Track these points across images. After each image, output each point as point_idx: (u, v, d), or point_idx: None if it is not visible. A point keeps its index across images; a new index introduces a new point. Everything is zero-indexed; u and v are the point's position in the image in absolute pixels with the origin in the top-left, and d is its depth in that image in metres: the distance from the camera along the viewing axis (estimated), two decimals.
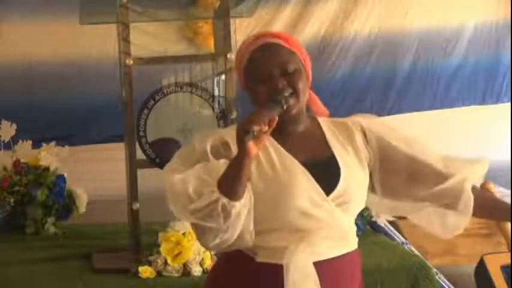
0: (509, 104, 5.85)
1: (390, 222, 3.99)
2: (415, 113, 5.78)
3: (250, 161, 2.06)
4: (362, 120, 2.35)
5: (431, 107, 5.83)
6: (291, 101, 2.20)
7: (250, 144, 2.03)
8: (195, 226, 2.17)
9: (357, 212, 2.30)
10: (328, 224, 2.19)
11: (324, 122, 2.34)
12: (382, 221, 3.95)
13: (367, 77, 5.72)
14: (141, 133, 3.51)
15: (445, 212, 2.39)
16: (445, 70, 5.86)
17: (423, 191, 2.33)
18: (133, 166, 3.50)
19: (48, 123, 5.11)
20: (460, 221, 2.38)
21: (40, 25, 5.14)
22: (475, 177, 2.42)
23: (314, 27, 5.61)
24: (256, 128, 2.02)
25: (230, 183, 2.08)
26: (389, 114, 5.73)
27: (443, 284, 3.68)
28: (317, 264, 2.18)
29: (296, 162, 2.20)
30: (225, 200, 2.08)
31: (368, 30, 5.70)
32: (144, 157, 3.52)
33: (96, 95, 5.16)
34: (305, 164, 2.20)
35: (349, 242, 2.27)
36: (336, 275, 2.23)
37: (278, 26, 5.53)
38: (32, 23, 5.14)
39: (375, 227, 3.94)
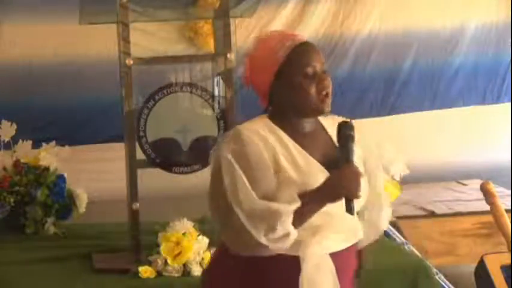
0: (509, 104, 5.85)
1: (390, 222, 3.98)
2: (415, 113, 5.78)
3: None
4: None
5: (431, 107, 5.83)
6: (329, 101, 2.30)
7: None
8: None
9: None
10: (341, 219, 2.25)
11: (324, 121, 2.39)
12: None
13: (367, 77, 5.72)
14: (141, 133, 3.51)
15: None
16: (445, 70, 5.86)
17: None
18: (133, 166, 3.51)
19: (48, 123, 5.11)
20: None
21: (40, 25, 5.14)
22: None
23: (314, 27, 5.61)
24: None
25: (302, 222, 2.19)
26: (389, 114, 5.73)
27: (443, 284, 3.68)
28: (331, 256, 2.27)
29: (315, 162, 2.26)
30: (296, 233, 2.18)
31: (368, 30, 5.70)
32: (144, 157, 3.52)
33: (96, 95, 5.16)
34: (321, 163, 2.27)
35: (358, 235, 2.35)
36: (344, 267, 2.30)
37: (278, 26, 5.53)
38: (32, 23, 5.14)
39: None
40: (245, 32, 5.25)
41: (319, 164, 2.26)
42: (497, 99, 5.93)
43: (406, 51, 5.77)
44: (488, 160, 5.65)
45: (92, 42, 5.02)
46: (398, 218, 4.26)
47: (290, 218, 2.15)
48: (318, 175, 2.23)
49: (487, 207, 4.16)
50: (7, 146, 4.08)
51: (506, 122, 5.72)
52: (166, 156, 3.53)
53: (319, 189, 2.19)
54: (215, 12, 3.71)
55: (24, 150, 4.07)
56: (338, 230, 2.27)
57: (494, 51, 5.92)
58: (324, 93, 2.28)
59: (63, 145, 4.18)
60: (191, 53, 4.98)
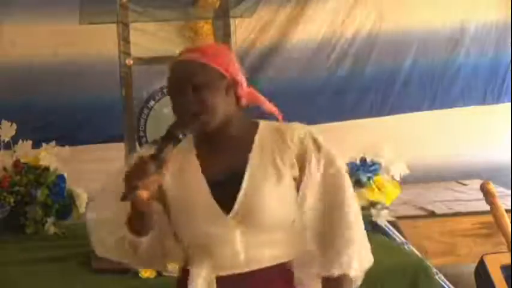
0: (509, 104, 5.85)
1: (390, 222, 3.99)
2: (415, 113, 5.78)
3: (143, 206, 2.10)
4: (311, 142, 2.23)
5: (431, 107, 5.83)
6: (204, 119, 2.17)
7: (138, 198, 2.07)
8: None
9: (277, 226, 2.21)
10: (228, 241, 2.18)
11: (264, 129, 2.27)
12: (382, 221, 3.95)
13: (367, 77, 5.72)
14: (141, 133, 3.51)
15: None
16: (445, 70, 5.86)
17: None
18: None
19: (48, 123, 5.11)
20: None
21: (40, 25, 5.14)
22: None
23: (314, 27, 5.61)
24: (139, 183, 2.05)
25: (133, 225, 2.19)
26: (389, 114, 5.73)
27: (443, 284, 3.68)
28: (221, 279, 2.19)
29: (202, 181, 2.19)
30: (131, 236, 2.20)
31: (368, 30, 5.70)
32: None
33: (96, 95, 5.16)
34: (212, 182, 2.19)
35: (259, 258, 2.19)
36: None
37: (278, 26, 5.53)
38: (32, 23, 5.14)
39: (375, 227, 3.94)
40: (245, 32, 5.25)
41: (203, 182, 2.18)
42: (497, 100, 5.93)
43: (406, 51, 5.77)
44: (488, 160, 5.65)
45: (92, 42, 5.01)
46: (398, 218, 4.25)
47: (105, 225, 2.24)
48: (196, 193, 2.18)
49: (487, 207, 4.16)
50: (7, 146, 4.08)
51: (506, 122, 5.72)
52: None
53: None
54: (215, 12, 3.71)
55: (24, 150, 4.07)
56: (229, 251, 2.18)
57: (494, 51, 5.92)
58: (189, 114, 2.17)
59: (63, 145, 4.18)
60: None
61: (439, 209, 4.69)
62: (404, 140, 5.16)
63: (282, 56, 5.56)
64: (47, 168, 4.02)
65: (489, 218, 4.24)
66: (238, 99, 2.24)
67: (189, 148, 2.25)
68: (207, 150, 2.23)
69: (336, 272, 2.21)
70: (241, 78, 2.25)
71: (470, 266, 4.22)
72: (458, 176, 5.52)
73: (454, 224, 4.58)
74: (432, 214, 4.63)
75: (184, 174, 2.22)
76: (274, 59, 5.52)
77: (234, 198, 2.17)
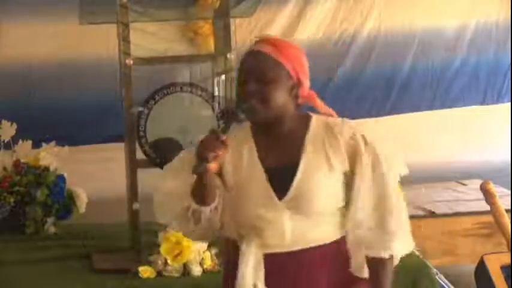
0: (509, 104, 5.85)
1: None
2: (415, 113, 5.78)
3: (210, 176, 2.26)
4: (361, 140, 2.37)
5: (431, 107, 5.83)
6: (259, 108, 2.28)
7: (207, 170, 2.21)
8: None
9: (323, 212, 2.35)
10: (277, 223, 2.31)
11: (316, 122, 2.38)
12: None
13: (367, 77, 5.72)
14: (141, 133, 3.51)
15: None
16: (446, 70, 5.86)
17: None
18: (133, 166, 3.51)
19: (48, 123, 5.10)
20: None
21: (40, 25, 5.15)
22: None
23: (314, 27, 5.61)
24: (211, 155, 2.19)
25: (197, 193, 2.30)
26: (389, 114, 5.73)
27: (443, 284, 3.68)
28: (269, 256, 2.33)
29: (259, 168, 2.33)
30: (195, 206, 2.31)
31: (368, 30, 5.70)
32: (144, 157, 3.52)
33: (96, 95, 5.16)
34: (269, 169, 2.32)
35: (304, 240, 2.34)
36: (286, 268, 2.35)
37: (278, 26, 5.53)
38: (32, 23, 5.14)
39: None
40: (245, 32, 5.25)
41: (261, 169, 2.32)
42: (497, 100, 5.94)
43: (406, 51, 5.77)
44: (488, 160, 5.65)
45: (92, 43, 5.02)
46: None
47: (172, 195, 2.33)
48: (254, 180, 2.32)
49: (487, 207, 4.15)
50: (7, 146, 4.09)
51: (506, 122, 5.72)
52: (166, 156, 3.52)
53: None
54: (215, 12, 3.71)
55: (24, 150, 4.08)
56: (277, 233, 2.32)
57: (495, 51, 5.92)
58: (249, 102, 2.29)
59: (63, 145, 4.19)
60: (191, 53, 4.98)
61: (439, 209, 4.69)
62: (404, 140, 5.16)
63: None
64: (47, 168, 4.02)
65: (489, 218, 4.24)
66: (297, 98, 2.35)
67: (247, 136, 2.37)
68: (264, 139, 2.36)
69: (384, 255, 2.44)
70: (306, 80, 2.37)
71: (470, 266, 4.22)
72: (458, 176, 5.52)
73: (454, 224, 4.58)
74: (432, 214, 4.63)
75: (242, 159, 2.35)
76: None
77: (288, 185, 2.31)
